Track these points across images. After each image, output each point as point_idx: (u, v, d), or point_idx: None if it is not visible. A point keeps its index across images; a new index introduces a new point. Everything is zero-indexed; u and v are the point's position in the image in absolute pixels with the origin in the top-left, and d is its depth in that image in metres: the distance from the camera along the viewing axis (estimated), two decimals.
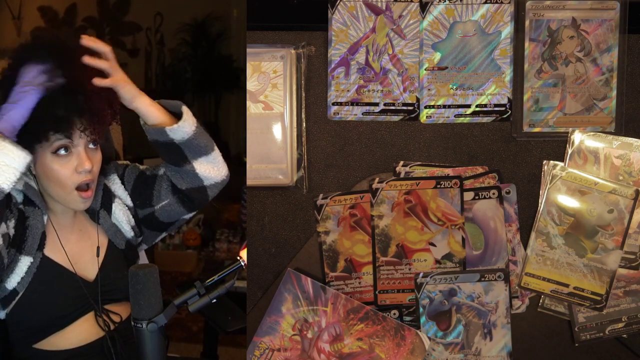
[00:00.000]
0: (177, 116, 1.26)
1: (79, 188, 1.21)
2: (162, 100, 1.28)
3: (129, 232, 1.35)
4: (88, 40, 1.19)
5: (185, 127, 1.24)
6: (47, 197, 1.25)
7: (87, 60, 1.17)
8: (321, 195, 1.33)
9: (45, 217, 1.24)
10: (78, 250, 1.29)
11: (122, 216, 1.34)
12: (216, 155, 1.30)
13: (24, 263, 1.20)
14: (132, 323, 1.06)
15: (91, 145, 1.22)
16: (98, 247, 1.30)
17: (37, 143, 1.18)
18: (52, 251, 1.24)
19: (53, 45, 1.18)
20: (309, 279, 1.30)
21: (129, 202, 1.36)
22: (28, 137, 1.16)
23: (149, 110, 1.24)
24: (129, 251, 1.35)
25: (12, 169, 1.09)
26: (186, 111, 1.25)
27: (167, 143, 1.25)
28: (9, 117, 1.11)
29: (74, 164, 1.19)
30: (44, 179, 1.22)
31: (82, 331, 1.26)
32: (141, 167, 1.39)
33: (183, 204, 1.33)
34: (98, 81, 1.16)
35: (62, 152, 1.18)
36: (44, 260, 1.23)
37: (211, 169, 1.29)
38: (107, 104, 1.20)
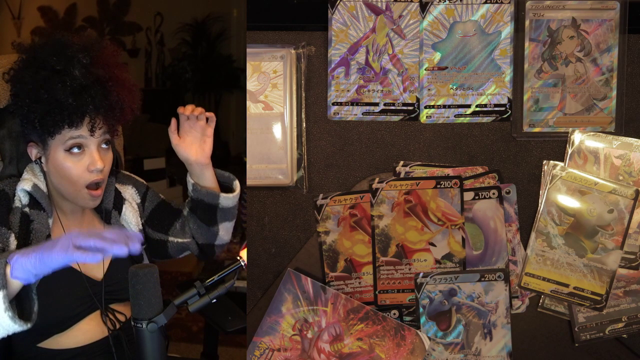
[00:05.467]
0: (222, 185, 1.40)
1: (89, 187, 1.22)
2: (216, 169, 1.41)
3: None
4: (197, 111, 1.32)
5: (235, 199, 1.39)
6: (56, 196, 1.26)
7: (198, 112, 1.31)
8: (321, 195, 1.33)
9: (51, 220, 1.24)
10: None
11: (131, 218, 1.36)
12: (234, 222, 1.45)
13: None
14: (132, 323, 1.06)
15: (104, 145, 1.23)
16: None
17: (50, 137, 1.18)
18: None
19: (72, 41, 1.19)
20: (309, 279, 1.30)
21: (136, 204, 1.38)
22: (42, 131, 1.17)
23: (210, 173, 1.37)
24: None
25: None
26: (237, 186, 1.42)
27: (211, 205, 1.37)
28: (30, 268, 1.01)
29: (86, 162, 1.20)
30: (55, 175, 1.22)
31: (87, 330, 1.26)
32: (162, 196, 1.48)
33: (197, 247, 1.44)
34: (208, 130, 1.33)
35: (75, 150, 1.19)
36: None
37: (227, 232, 1.44)
38: (126, 103, 1.22)
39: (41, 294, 1.20)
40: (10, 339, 1.26)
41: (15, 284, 1.02)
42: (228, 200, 1.38)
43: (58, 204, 1.27)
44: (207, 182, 1.37)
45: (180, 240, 1.42)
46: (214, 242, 1.44)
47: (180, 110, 1.33)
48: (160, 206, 1.43)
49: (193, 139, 1.34)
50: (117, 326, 1.28)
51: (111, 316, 1.27)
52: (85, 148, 1.21)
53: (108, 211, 1.34)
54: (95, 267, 1.29)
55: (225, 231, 1.43)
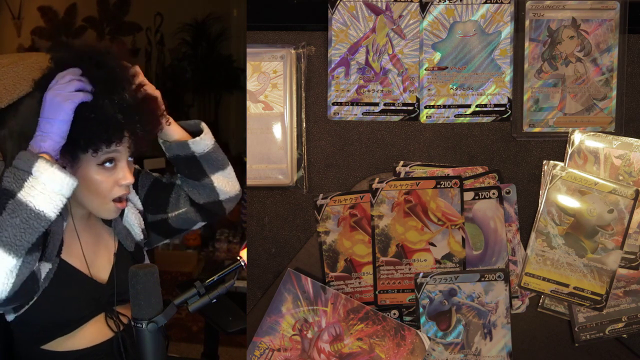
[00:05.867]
0: (194, 135, 1.33)
1: (115, 200, 1.21)
2: (180, 121, 1.35)
3: (138, 235, 1.36)
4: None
5: (206, 140, 1.31)
6: (73, 203, 1.24)
7: (142, 79, 1.22)
8: (321, 195, 1.33)
9: (65, 224, 1.24)
10: (92, 253, 1.29)
11: (133, 219, 1.35)
12: (231, 170, 1.36)
13: (43, 269, 1.19)
14: (132, 323, 1.06)
15: (129, 158, 1.22)
16: (115, 253, 1.31)
17: (84, 153, 1.17)
18: (68, 255, 1.24)
19: (121, 62, 1.18)
20: (309, 279, 1.30)
21: (140, 206, 1.37)
22: (75, 147, 1.14)
23: (173, 127, 1.31)
24: (137, 253, 1.35)
25: (59, 196, 1.07)
26: (205, 127, 1.34)
27: (187, 157, 1.31)
28: (50, 134, 1.08)
29: (117, 177, 1.19)
30: (82, 187, 1.19)
31: (91, 332, 1.26)
32: (155, 174, 1.42)
33: (200, 213, 1.38)
34: (150, 89, 1.23)
35: (108, 164, 1.18)
36: (61, 264, 1.22)
37: (227, 183, 1.35)
38: (158, 121, 1.22)
39: (48, 296, 1.20)
40: (12, 340, 1.26)
41: (50, 158, 1.08)
42: (197, 144, 1.31)
43: (71, 209, 1.26)
44: (173, 136, 1.32)
45: (177, 212, 1.38)
46: (218, 197, 1.36)
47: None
48: (151, 189, 1.40)
49: None
50: (121, 328, 1.28)
51: (115, 318, 1.27)
52: (118, 162, 1.20)
53: None
54: (100, 269, 1.29)
55: (223, 182, 1.36)
